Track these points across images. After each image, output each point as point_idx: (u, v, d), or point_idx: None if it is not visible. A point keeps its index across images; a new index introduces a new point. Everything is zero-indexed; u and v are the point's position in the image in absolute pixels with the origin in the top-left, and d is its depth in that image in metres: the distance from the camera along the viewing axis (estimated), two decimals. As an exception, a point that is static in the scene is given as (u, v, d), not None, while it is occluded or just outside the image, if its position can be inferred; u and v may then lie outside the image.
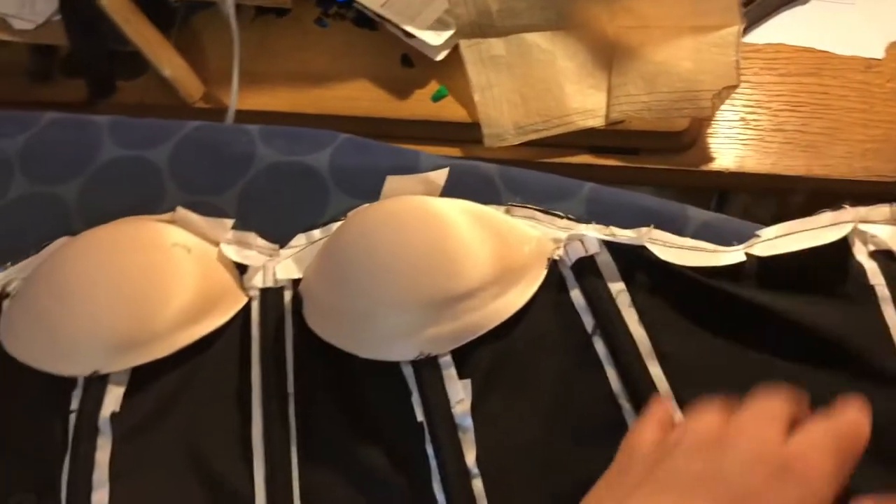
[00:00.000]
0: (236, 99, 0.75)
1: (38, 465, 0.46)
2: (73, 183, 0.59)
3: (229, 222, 0.54)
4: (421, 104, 0.76)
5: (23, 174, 0.60)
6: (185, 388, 0.48)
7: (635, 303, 0.47)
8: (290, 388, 0.48)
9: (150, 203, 0.58)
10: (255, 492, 0.45)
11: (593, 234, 0.50)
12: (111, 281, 0.48)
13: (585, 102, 0.72)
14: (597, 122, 0.71)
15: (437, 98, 0.75)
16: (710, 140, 0.72)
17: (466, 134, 0.72)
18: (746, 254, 0.48)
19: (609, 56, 0.73)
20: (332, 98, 0.77)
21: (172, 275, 0.49)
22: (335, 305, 0.48)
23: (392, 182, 0.54)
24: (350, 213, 0.52)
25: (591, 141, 0.72)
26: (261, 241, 0.54)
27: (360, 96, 0.76)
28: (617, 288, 0.48)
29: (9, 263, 0.56)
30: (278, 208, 0.57)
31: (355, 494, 0.45)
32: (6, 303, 0.53)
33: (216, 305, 0.50)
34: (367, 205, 0.53)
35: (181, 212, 0.53)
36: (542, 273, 0.49)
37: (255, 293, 0.52)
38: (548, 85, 0.72)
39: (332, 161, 0.57)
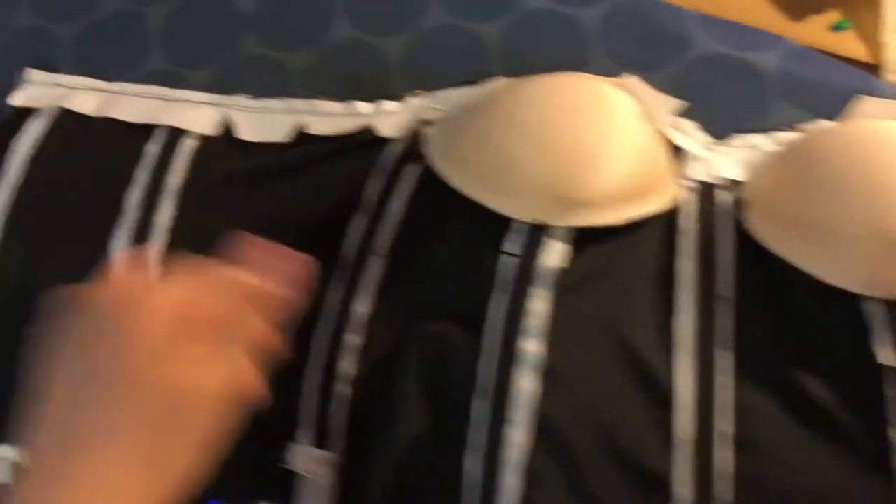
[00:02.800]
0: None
1: (462, 296, 0.45)
2: (495, 24, 0.57)
3: (674, 102, 0.50)
4: (815, 31, 0.69)
5: (442, 4, 0.58)
6: (613, 260, 0.46)
7: None
8: (719, 290, 0.45)
9: (574, 63, 0.55)
10: (672, 383, 0.43)
11: None
12: (576, 133, 0.45)
13: None
14: None
15: (837, 28, 0.69)
16: None
17: (866, 76, 0.66)
18: None
19: None
20: (719, 4, 0.71)
21: (630, 144, 0.46)
22: (802, 221, 0.44)
23: (864, 104, 0.49)
24: (820, 129, 0.48)
25: None
26: (698, 131, 0.51)
27: (752, 7, 0.70)
28: None
29: (418, 91, 0.54)
30: (711, 102, 0.53)
31: (795, 423, 0.42)
32: (433, 129, 0.51)
33: (656, 186, 0.47)
34: (844, 123, 0.49)
35: (631, 80, 0.50)
36: None
37: (689, 183, 0.49)
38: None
39: (782, 66, 0.53)
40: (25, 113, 0.57)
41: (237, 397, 0.35)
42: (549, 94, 0.47)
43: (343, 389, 0.45)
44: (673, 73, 0.54)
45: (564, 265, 0.44)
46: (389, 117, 0.54)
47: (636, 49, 0.55)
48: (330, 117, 0.54)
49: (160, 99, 0.57)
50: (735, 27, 0.55)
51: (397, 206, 0.49)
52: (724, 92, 0.53)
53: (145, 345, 0.32)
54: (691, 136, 0.51)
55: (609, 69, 0.54)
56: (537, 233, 0.45)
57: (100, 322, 0.33)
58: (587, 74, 0.49)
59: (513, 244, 0.45)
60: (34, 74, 0.59)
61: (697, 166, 0.49)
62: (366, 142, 0.53)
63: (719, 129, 0.51)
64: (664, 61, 0.54)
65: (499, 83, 0.51)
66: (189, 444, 0.33)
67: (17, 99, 0.58)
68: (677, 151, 0.50)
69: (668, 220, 0.48)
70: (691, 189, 0.48)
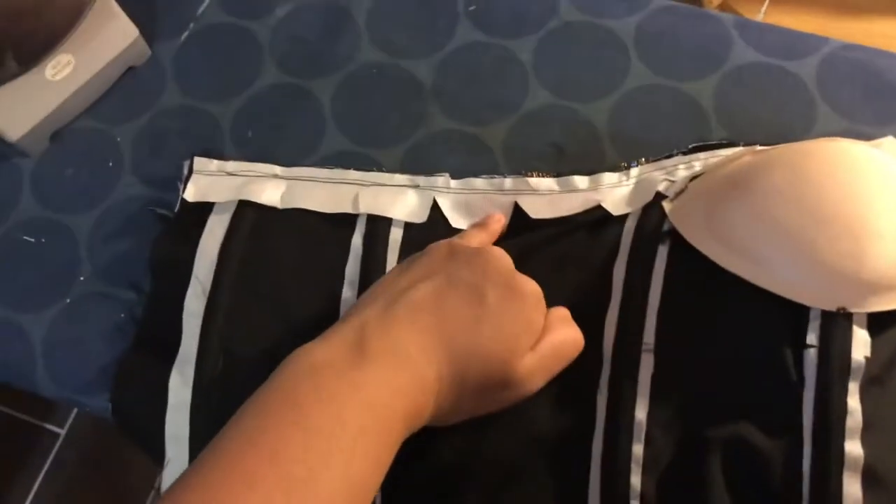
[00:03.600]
0: (764, 12, 0.68)
1: (764, 394, 0.42)
2: (706, 81, 0.53)
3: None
4: None
5: (640, 60, 0.54)
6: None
7: None
8: None
9: (799, 118, 0.52)
10: None
11: None
12: (866, 210, 0.42)
13: None
14: None
15: None
16: None
17: None
18: None
19: None
20: (863, 32, 0.69)
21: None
22: None
23: None
24: None
25: None
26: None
27: (906, 36, 0.68)
28: None
29: (643, 159, 0.51)
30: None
31: None
32: (680, 204, 0.47)
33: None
34: None
35: (889, 140, 0.47)
36: None
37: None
38: None
39: None
40: (200, 207, 0.52)
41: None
42: (821, 165, 0.44)
43: None
44: (908, 127, 0.51)
45: (868, 355, 0.41)
46: (612, 191, 0.50)
47: (857, 102, 0.52)
48: (546, 195, 0.50)
49: (352, 184, 0.52)
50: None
51: (654, 292, 0.45)
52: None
53: (496, 265, 0.42)
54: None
55: (835, 125, 0.51)
56: (841, 321, 0.41)
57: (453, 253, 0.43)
58: (850, 140, 0.46)
59: (811, 334, 0.42)
60: (200, 163, 0.54)
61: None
62: (595, 220, 0.49)
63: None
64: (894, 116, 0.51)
65: (745, 151, 0.48)
66: (498, 343, 0.39)
67: (190, 193, 0.52)
68: None
69: None
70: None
